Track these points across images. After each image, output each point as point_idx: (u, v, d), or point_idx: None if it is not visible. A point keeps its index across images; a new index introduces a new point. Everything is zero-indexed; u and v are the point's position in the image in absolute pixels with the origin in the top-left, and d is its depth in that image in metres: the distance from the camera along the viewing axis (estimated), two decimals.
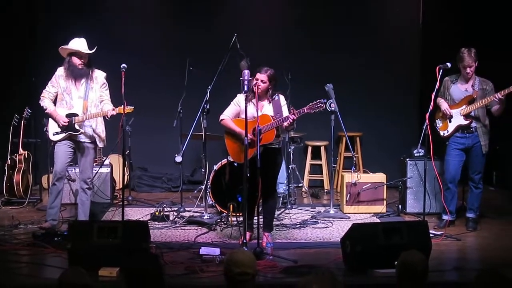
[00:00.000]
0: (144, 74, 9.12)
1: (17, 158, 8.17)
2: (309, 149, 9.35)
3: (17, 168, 8.15)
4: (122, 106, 6.39)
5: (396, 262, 4.00)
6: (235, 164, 6.81)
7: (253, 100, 6.11)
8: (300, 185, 8.99)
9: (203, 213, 7.40)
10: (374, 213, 7.73)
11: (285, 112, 6.17)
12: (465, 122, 6.91)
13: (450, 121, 6.98)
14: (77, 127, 6.66)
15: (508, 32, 8.90)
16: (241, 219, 6.46)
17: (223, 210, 7.32)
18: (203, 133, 7.26)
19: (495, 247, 6.43)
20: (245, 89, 5.94)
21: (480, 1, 9.19)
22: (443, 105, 7.00)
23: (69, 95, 6.70)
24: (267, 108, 6.24)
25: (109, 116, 6.62)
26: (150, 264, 3.69)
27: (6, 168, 8.17)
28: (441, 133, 7.07)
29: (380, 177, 7.94)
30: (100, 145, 6.88)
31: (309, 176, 9.42)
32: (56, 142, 6.75)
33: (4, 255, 5.92)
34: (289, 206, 7.91)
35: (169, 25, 9.60)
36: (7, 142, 8.23)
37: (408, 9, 9.71)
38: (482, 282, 3.64)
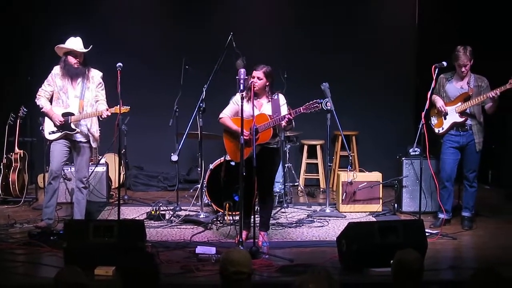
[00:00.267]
0: (140, 73, 9.11)
1: (12, 157, 8.17)
2: (305, 148, 9.36)
3: (12, 167, 8.14)
4: (118, 106, 6.39)
5: (392, 261, 4.01)
6: (232, 163, 6.81)
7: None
8: (296, 184, 8.99)
9: (199, 212, 7.40)
10: (370, 212, 7.74)
11: (284, 111, 6.15)
12: (461, 120, 6.92)
13: (445, 118, 6.99)
14: (73, 126, 6.65)
15: (503, 31, 8.92)
16: (237, 218, 6.46)
17: (219, 209, 7.32)
18: (199, 132, 7.26)
19: (491, 246, 6.45)
20: (241, 88, 5.94)
21: (475, 0, 9.21)
22: (439, 102, 7.00)
23: (65, 94, 6.69)
24: (266, 107, 6.23)
25: (103, 117, 6.61)
26: (146, 263, 3.69)
27: (1, 167, 8.16)
28: (436, 130, 7.08)
29: (376, 176, 7.95)
30: (94, 145, 6.87)
31: (305, 175, 9.42)
32: (52, 141, 6.73)
33: (0, 254, 5.91)
34: (285, 205, 7.91)
35: (165, 24, 9.59)
36: (2, 141, 8.23)
37: (404, 8, 9.72)
38: (478, 281, 3.65)
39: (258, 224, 6.22)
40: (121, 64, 6.32)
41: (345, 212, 7.75)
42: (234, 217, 6.83)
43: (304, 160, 9.39)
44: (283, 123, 6.03)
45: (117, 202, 6.59)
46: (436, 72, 6.63)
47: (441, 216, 7.07)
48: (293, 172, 8.68)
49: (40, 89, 6.75)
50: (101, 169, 8.24)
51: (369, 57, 9.51)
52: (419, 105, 7.80)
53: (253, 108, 6.01)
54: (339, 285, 3.45)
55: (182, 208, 7.70)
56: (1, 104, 8.78)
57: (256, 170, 5.80)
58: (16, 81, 8.98)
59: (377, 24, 9.65)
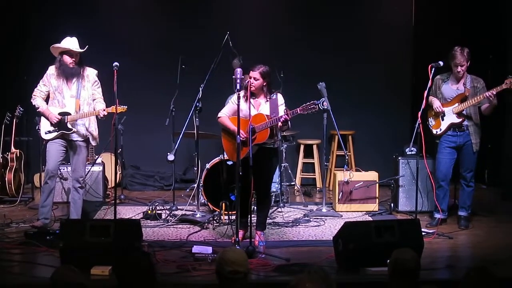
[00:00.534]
0: (136, 73, 9.09)
1: (9, 157, 8.15)
2: (302, 147, 9.36)
3: (9, 167, 8.12)
4: (115, 105, 6.38)
5: (388, 260, 4.01)
6: (228, 162, 6.81)
7: (251, 99, 6.11)
8: (292, 183, 8.98)
9: (195, 211, 7.39)
10: (366, 211, 7.75)
11: (281, 111, 6.13)
12: (458, 120, 6.92)
13: (442, 119, 7.00)
14: (69, 126, 6.64)
15: (500, 31, 8.93)
16: (233, 217, 6.46)
17: (215, 209, 7.31)
18: (195, 132, 7.25)
19: (487, 245, 6.45)
20: (238, 87, 5.93)
21: (472, 0, 9.22)
22: (436, 103, 7.01)
23: (61, 94, 6.68)
24: (264, 107, 6.22)
25: (101, 116, 6.61)
26: (142, 262, 3.69)
27: None
28: (434, 131, 7.08)
29: (372, 175, 7.95)
30: (93, 143, 6.88)
31: (302, 175, 9.43)
32: (48, 140, 6.72)
33: None
34: (282, 204, 7.91)
35: (161, 23, 9.57)
36: None
37: (400, 8, 9.72)
38: (471, 281, 3.66)
39: (254, 224, 6.22)
40: (117, 64, 6.31)
41: (341, 211, 7.75)
42: (230, 216, 6.83)
43: (301, 160, 9.39)
44: (279, 123, 6.03)
45: (113, 201, 6.59)
46: (432, 71, 6.63)
47: (437, 215, 7.07)
48: (289, 171, 8.68)
49: (35, 89, 6.74)
50: (97, 168, 8.22)
51: (366, 56, 9.51)
52: (415, 104, 7.79)
53: (250, 108, 6.01)
54: (336, 284, 3.45)
55: (179, 207, 7.69)
56: None
57: (253, 170, 5.80)
58: (13, 81, 8.96)
59: (374, 23, 9.64)
